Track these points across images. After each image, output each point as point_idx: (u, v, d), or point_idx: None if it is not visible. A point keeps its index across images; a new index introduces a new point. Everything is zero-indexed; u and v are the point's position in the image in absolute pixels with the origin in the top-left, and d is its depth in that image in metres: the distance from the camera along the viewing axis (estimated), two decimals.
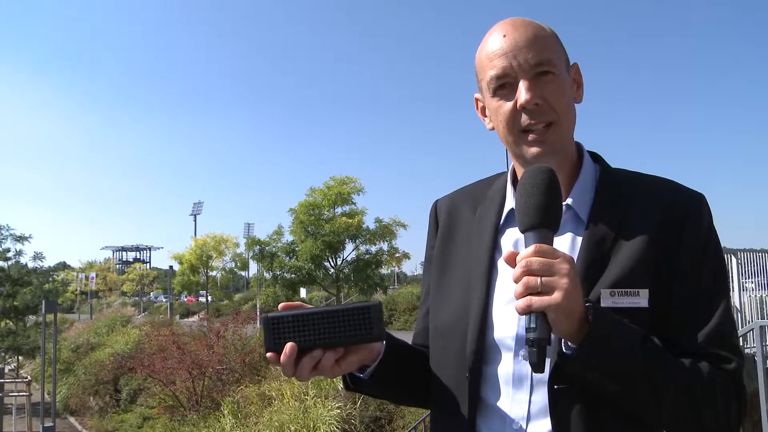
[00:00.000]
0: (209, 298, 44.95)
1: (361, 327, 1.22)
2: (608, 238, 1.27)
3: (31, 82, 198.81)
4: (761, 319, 12.14)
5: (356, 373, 1.35)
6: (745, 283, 13.28)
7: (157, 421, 15.19)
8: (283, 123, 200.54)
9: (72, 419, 19.82)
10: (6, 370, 22.32)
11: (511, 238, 1.37)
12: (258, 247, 27.36)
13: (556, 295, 1.07)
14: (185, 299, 58.16)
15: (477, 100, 1.46)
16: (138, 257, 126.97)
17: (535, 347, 1.07)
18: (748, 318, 12.73)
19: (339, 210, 26.37)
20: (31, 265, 25.58)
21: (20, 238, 24.26)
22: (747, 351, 11.09)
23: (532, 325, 1.07)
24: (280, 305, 1.24)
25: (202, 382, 14.59)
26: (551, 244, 1.13)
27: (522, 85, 1.28)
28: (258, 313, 27.24)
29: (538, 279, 1.08)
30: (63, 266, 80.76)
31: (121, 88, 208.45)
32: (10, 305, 22.58)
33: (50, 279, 28.79)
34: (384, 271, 30.51)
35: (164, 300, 59.86)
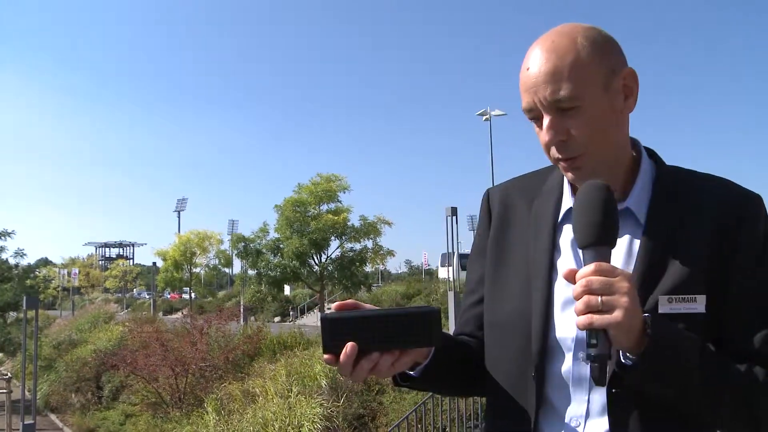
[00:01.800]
0: (193, 295, 44.75)
1: (419, 332, 1.21)
2: (666, 241, 1.27)
3: (11, 76, 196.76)
4: None
5: (407, 371, 1.34)
6: None
7: (139, 418, 15.12)
8: (268, 120, 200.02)
9: (53, 416, 19.66)
10: None
11: (569, 236, 1.35)
12: (242, 243, 27.29)
13: (617, 314, 1.09)
14: (168, 296, 57.88)
15: None
16: (121, 253, 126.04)
17: (596, 363, 1.09)
18: None
19: (325, 207, 26.36)
20: (12, 261, 25.35)
21: (2, 234, 24.00)
22: None
23: (593, 341, 1.09)
24: (334, 305, 1.24)
25: (186, 379, 14.54)
26: (609, 260, 1.14)
27: (545, 122, 1.26)
28: (242, 310, 27.15)
29: (599, 298, 1.09)
30: (45, 262, 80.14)
31: (104, 83, 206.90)
32: None
33: (32, 275, 28.51)
34: (368, 268, 30.52)
35: (147, 297, 59.44)
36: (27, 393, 15.98)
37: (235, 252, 28.72)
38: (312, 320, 31.28)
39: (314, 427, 9.66)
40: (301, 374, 11.36)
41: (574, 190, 1.38)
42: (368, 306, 1.25)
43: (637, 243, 1.29)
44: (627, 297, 1.10)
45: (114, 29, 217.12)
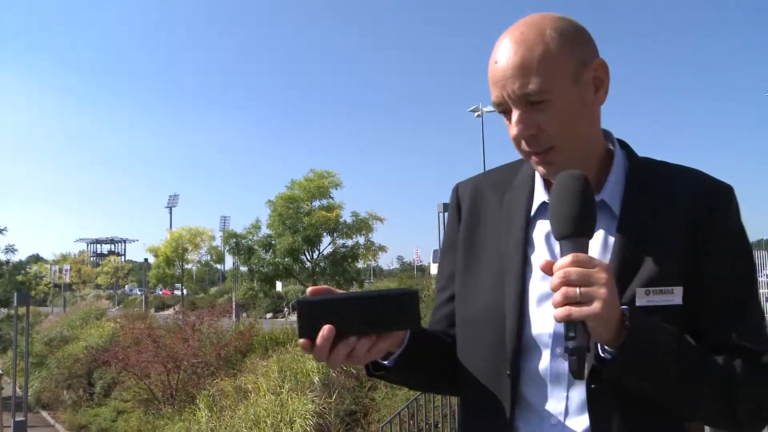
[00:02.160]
0: (184, 291, 44.68)
1: (398, 314, 1.19)
2: (641, 234, 1.27)
3: (8, 75, 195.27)
4: None
5: (379, 360, 1.32)
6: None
7: (131, 414, 15.08)
8: (260, 117, 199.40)
9: (44, 413, 19.57)
10: None
11: (543, 230, 1.35)
12: (234, 240, 27.23)
13: (596, 305, 1.08)
14: (160, 292, 57.65)
15: None
16: (113, 250, 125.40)
17: (575, 355, 1.08)
18: None
19: (317, 204, 26.33)
20: (3, 257, 25.23)
21: None
22: None
23: (571, 334, 1.08)
24: (309, 290, 1.22)
25: (177, 376, 14.51)
26: (587, 251, 1.14)
27: (514, 117, 1.25)
28: (234, 306, 27.11)
29: (577, 289, 1.08)
30: (36, 259, 79.73)
31: (98, 82, 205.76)
32: None
33: (23, 271, 28.38)
34: (360, 264, 30.54)
35: (139, 293, 59.16)
36: (18, 390, 15.93)
37: (227, 248, 28.66)
38: None
39: (306, 424, 9.66)
40: (293, 370, 11.34)
41: (546, 183, 1.38)
42: (341, 292, 1.24)
43: (612, 236, 1.28)
44: (606, 288, 1.09)
45: (109, 26, 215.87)
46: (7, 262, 25.49)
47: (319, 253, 26.94)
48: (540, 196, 1.38)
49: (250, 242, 26.91)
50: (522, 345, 1.29)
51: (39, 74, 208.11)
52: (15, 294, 14.42)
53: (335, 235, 26.58)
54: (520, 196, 1.41)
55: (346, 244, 27.15)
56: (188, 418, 11.95)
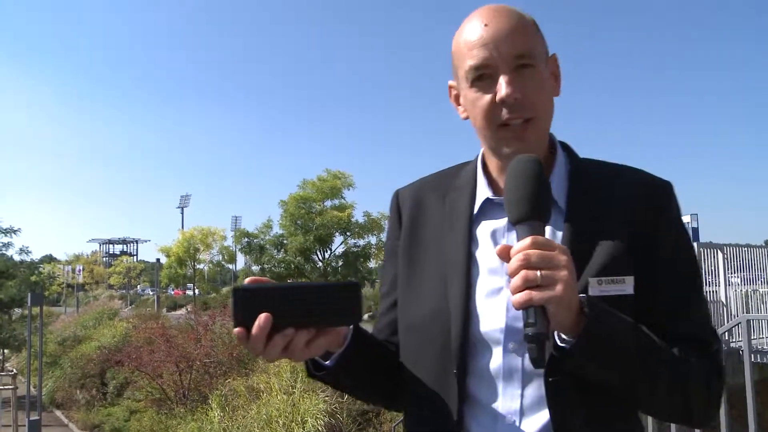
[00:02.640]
0: (196, 291, 44.85)
1: (339, 307, 1.14)
2: (588, 227, 1.27)
3: (19, 74, 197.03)
4: (746, 313, 12.26)
5: (320, 360, 1.28)
6: (731, 277, 13.39)
7: (144, 414, 15.14)
8: (271, 116, 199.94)
9: (58, 413, 19.72)
10: None
11: (488, 229, 1.34)
12: (246, 239, 27.32)
13: (558, 288, 1.04)
14: (172, 292, 57.95)
15: (451, 87, 1.41)
16: (125, 250, 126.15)
17: (535, 342, 1.04)
18: (734, 312, 12.85)
19: (329, 203, 26.37)
20: (17, 258, 25.40)
21: (8, 231, 24.05)
22: (733, 345, 11.21)
23: (531, 320, 1.04)
24: (248, 279, 1.16)
25: (190, 375, 14.56)
26: (544, 235, 1.10)
27: (503, 79, 1.24)
28: None
29: (538, 272, 1.04)
30: (49, 259, 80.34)
31: (108, 81, 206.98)
32: None
33: (36, 272, 28.58)
34: (372, 264, 30.58)
35: (151, 293, 59.51)
36: (32, 389, 16.03)
37: (239, 247, 28.76)
38: None
39: (318, 423, 9.67)
40: (305, 370, 11.34)
41: (489, 182, 1.37)
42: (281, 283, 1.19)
43: (559, 229, 1.27)
44: (567, 270, 1.06)
45: (121, 27, 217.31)
46: (21, 262, 25.63)
47: (331, 253, 26.99)
48: (483, 193, 1.37)
49: (261, 241, 26.99)
50: (470, 343, 1.26)
51: (52, 75, 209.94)
52: (29, 294, 14.47)
53: (347, 234, 26.62)
54: (462, 195, 1.40)
55: (358, 244, 27.20)
56: (201, 418, 11.98)
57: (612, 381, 1.17)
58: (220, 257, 44.49)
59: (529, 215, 1.11)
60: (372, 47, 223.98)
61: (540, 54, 1.29)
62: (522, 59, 1.25)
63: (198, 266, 43.15)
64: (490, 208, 1.34)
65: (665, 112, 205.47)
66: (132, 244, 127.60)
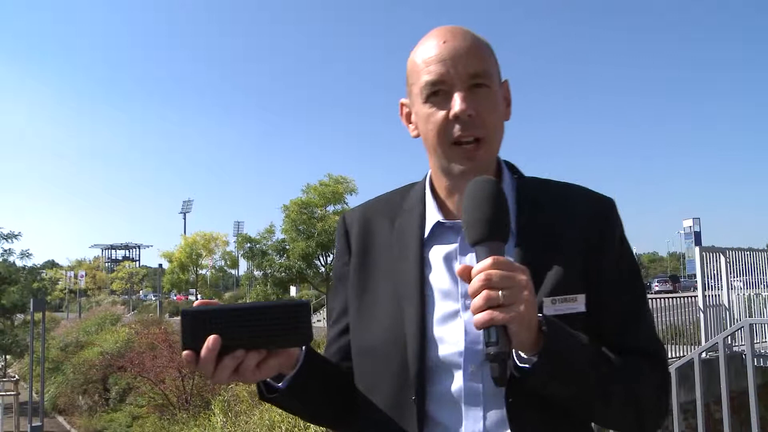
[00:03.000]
0: (199, 296, 44.74)
1: (288, 327, 1.13)
2: (539, 246, 1.29)
3: (21, 77, 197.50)
4: (749, 317, 12.23)
5: (272, 382, 1.27)
6: (734, 281, 13.36)
7: (146, 420, 15.14)
8: (274, 121, 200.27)
9: (60, 418, 19.72)
10: None
11: (440, 253, 1.34)
12: (248, 244, 27.33)
13: (520, 308, 1.05)
14: (175, 297, 57.95)
15: (403, 105, 1.42)
16: (127, 255, 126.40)
17: (496, 362, 1.04)
18: (736, 316, 12.81)
19: (331, 209, 26.37)
20: (19, 263, 25.42)
21: (9, 236, 24.08)
22: (735, 349, 11.19)
23: (493, 339, 1.04)
24: (196, 302, 1.16)
25: (192, 381, 14.55)
26: (503, 255, 1.11)
27: (457, 95, 1.26)
28: None
29: (499, 292, 1.05)
30: (52, 264, 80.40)
31: (110, 84, 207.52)
32: None
33: (39, 277, 28.60)
34: None
35: (154, 298, 59.53)
36: (34, 395, 16.02)
37: (241, 253, 28.78)
38: (318, 321, 31.30)
39: (321, 429, 9.65)
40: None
41: (439, 204, 1.37)
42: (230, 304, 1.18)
43: (511, 251, 1.28)
44: (527, 290, 1.07)
45: (124, 31, 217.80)
46: (23, 267, 25.65)
47: (334, 258, 26.94)
48: (433, 216, 1.37)
49: (264, 247, 27.00)
50: (428, 368, 1.26)
51: (53, 77, 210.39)
52: (31, 300, 14.48)
53: None
54: (411, 219, 1.39)
55: None
56: (203, 424, 11.97)
57: (570, 398, 1.19)
58: (223, 262, 44.58)
59: (489, 236, 1.11)
60: (374, 49, 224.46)
61: (494, 76, 1.32)
62: (477, 78, 1.27)
63: (200, 271, 43.21)
64: (440, 232, 1.35)
65: (667, 115, 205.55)
66: (134, 250, 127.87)
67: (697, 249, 13.45)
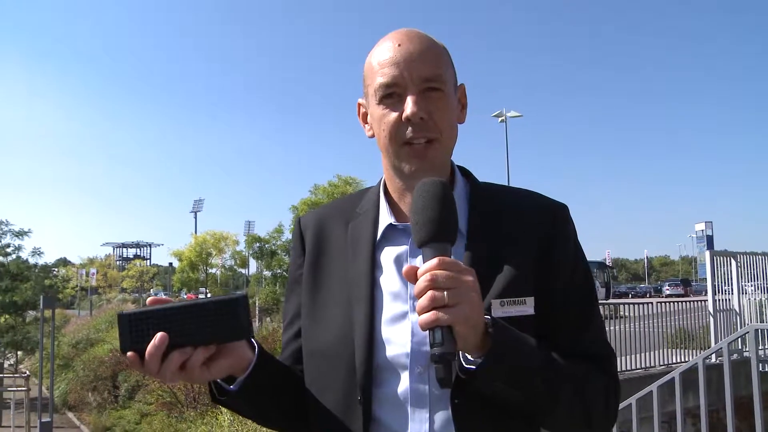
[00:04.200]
0: (209, 295, 44.90)
1: (227, 322, 1.13)
2: (489, 250, 1.30)
3: (34, 75, 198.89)
4: (761, 322, 12.13)
5: (224, 384, 1.27)
6: (745, 286, 13.26)
7: (154, 417, 15.18)
8: (285, 121, 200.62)
9: (70, 414, 19.83)
10: (5, 365, 22.34)
11: (391, 255, 1.35)
12: (258, 244, 27.42)
13: (465, 309, 1.06)
14: (185, 296, 58.09)
15: (360, 105, 1.44)
16: (138, 254, 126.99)
17: (441, 363, 1.04)
18: (746, 321, 12.72)
19: None
20: (30, 260, 25.58)
21: (20, 234, 24.24)
22: (746, 354, 11.10)
23: (438, 340, 1.04)
24: (148, 300, 1.16)
25: None
26: (450, 256, 1.11)
27: (410, 98, 1.27)
28: (257, 311, 27.24)
29: (444, 293, 1.05)
30: (63, 262, 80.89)
31: (123, 84, 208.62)
32: (10, 300, 22.52)
33: (51, 275, 28.77)
34: None
35: (163, 296, 59.49)
36: (45, 391, 16.12)
37: (251, 252, 28.87)
38: None
39: None
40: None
41: (391, 207, 1.39)
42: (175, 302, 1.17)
43: (461, 253, 1.29)
44: (474, 291, 1.08)
45: (136, 30, 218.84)
46: (35, 265, 25.81)
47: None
48: (385, 219, 1.38)
49: (273, 246, 27.07)
50: (375, 369, 1.26)
51: (66, 77, 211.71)
52: (41, 297, 14.56)
53: None
54: (365, 222, 1.41)
55: None
56: (211, 422, 11.99)
57: (516, 400, 1.19)
58: (233, 262, 44.67)
59: (436, 237, 1.12)
60: None
61: (448, 80, 1.33)
62: (430, 82, 1.29)
63: (210, 270, 43.32)
64: (392, 234, 1.36)
65: (681, 118, 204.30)
66: (145, 248, 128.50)
67: (707, 253, 13.34)
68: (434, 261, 1.08)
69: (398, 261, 1.33)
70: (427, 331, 1.06)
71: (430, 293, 1.05)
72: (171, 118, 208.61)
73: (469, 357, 1.14)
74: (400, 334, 1.27)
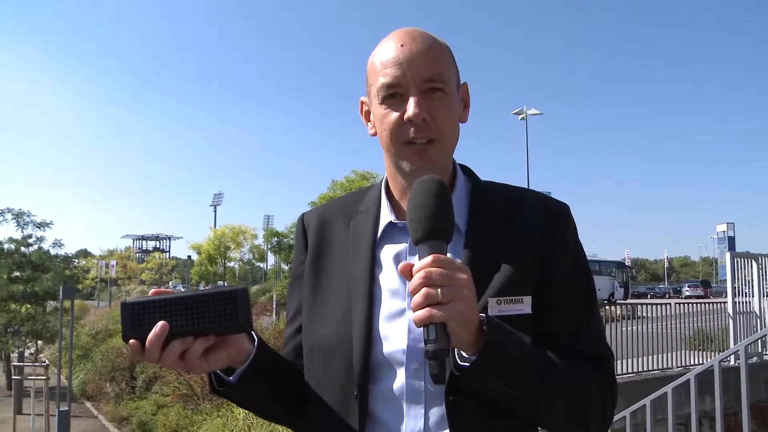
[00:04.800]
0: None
1: (228, 314, 1.14)
2: (488, 248, 1.30)
3: (57, 68, 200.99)
4: None
5: (223, 375, 1.28)
6: (766, 288, 13.07)
7: (171, 409, 15.31)
8: (305, 115, 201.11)
9: (89, 404, 20.06)
10: (26, 354, 22.64)
11: (391, 252, 1.36)
12: (276, 238, 27.54)
13: (459, 306, 1.06)
14: (178, 288, 58.51)
15: (363, 103, 1.44)
16: (157, 246, 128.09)
17: (435, 359, 1.05)
18: (767, 324, 12.56)
19: None
20: (52, 251, 25.85)
21: (41, 225, 24.50)
22: (767, 358, 10.96)
23: (432, 337, 1.05)
24: (151, 291, 1.18)
25: None
26: (445, 254, 1.12)
27: (412, 99, 1.27)
28: (274, 305, 27.38)
29: (439, 290, 1.05)
30: (84, 254, 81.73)
31: (145, 77, 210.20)
32: (31, 290, 22.80)
33: (71, 265, 29.09)
34: None
35: (182, 289, 60.15)
36: (63, 380, 16.31)
37: (269, 246, 29.00)
38: None
39: None
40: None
41: (392, 205, 1.39)
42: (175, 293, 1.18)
43: (459, 251, 1.29)
44: (468, 289, 1.08)
45: (158, 24, 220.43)
46: (56, 256, 26.10)
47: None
48: (386, 217, 1.39)
49: (291, 241, 27.18)
50: (372, 365, 1.27)
51: (89, 69, 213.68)
52: (61, 288, 14.73)
53: None
54: (366, 219, 1.42)
55: None
56: (226, 414, 12.08)
57: (511, 398, 1.18)
58: (251, 256, 44.89)
59: (432, 234, 1.12)
60: None
61: (451, 79, 1.33)
62: (432, 83, 1.29)
63: (229, 264, 43.56)
64: (392, 232, 1.37)
65: (703, 120, 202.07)
66: (165, 241, 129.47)
67: (728, 254, 13.16)
68: (429, 258, 1.08)
69: (397, 259, 1.34)
70: (422, 328, 1.07)
71: (424, 290, 1.06)
72: (193, 112, 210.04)
73: (463, 354, 1.15)
74: (397, 330, 1.27)
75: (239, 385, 1.27)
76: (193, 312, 1.13)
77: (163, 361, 1.14)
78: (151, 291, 1.18)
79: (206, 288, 1.21)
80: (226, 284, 44.29)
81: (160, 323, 1.11)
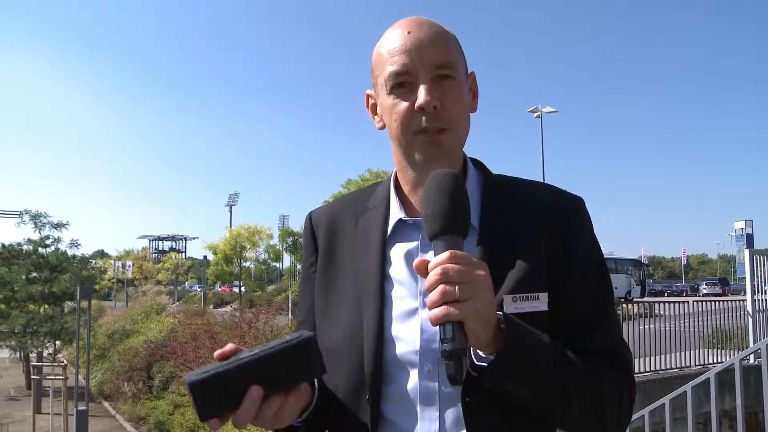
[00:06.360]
0: (242, 288, 45.42)
1: (301, 365, 1.07)
2: (501, 244, 1.26)
3: (74, 68, 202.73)
4: None
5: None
6: None
7: (187, 408, 15.31)
8: (321, 115, 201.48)
9: (106, 404, 20.18)
10: (45, 354, 22.85)
11: (401, 251, 1.32)
12: (291, 238, 27.60)
13: (476, 303, 1.02)
14: (219, 289, 58.79)
15: (368, 96, 1.41)
16: (173, 247, 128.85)
17: (452, 359, 1.01)
18: None
19: None
20: (69, 252, 26.03)
21: (58, 226, 24.66)
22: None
23: (448, 336, 1.01)
24: (216, 353, 1.07)
25: None
26: (462, 250, 1.08)
27: (422, 87, 1.23)
28: (290, 304, 27.42)
29: (456, 287, 1.02)
30: (101, 254, 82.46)
31: (161, 78, 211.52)
32: (49, 291, 22.96)
33: (88, 266, 29.30)
34: None
35: (198, 289, 60.56)
36: (81, 380, 16.43)
37: (284, 246, 29.08)
38: None
39: None
40: None
41: (402, 201, 1.35)
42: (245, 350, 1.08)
43: (473, 246, 1.25)
44: (485, 286, 1.05)
45: (175, 26, 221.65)
46: (73, 256, 26.29)
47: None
48: (396, 214, 1.35)
49: None
50: (384, 366, 1.24)
51: (105, 70, 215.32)
52: (78, 288, 14.84)
53: None
54: (375, 217, 1.38)
55: None
56: None
57: (528, 398, 1.14)
58: (267, 256, 45.02)
59: (447, 229, 1.09)
60: None
61: (459, 67, 1.30)
62: (442, 69, 1.26)
63: (244, 264, 43.72)
64: (402, 229, 1.34)
65: (720, 117, 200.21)
66: (180, 241, 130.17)
67: (747, 251, 13.02)
68: (445, 254, 1.04)
69: (408, 257, 1.31)
70: (438, 327, 1.03)
71: (440, 287, 1.02)
72: (208, 113, 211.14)
73: (480, 354, 1.12)
74: (409, 331, 1.24)
75: (303, 424, 1.22)
76: (268, 372, 1.04)
77: (259, 422, 1.06)
78: (216, 353, 1.07)
79: (270, 343, 1.09)
80: (242, 284, 44.48)
81: (254, 388, 1.01)
